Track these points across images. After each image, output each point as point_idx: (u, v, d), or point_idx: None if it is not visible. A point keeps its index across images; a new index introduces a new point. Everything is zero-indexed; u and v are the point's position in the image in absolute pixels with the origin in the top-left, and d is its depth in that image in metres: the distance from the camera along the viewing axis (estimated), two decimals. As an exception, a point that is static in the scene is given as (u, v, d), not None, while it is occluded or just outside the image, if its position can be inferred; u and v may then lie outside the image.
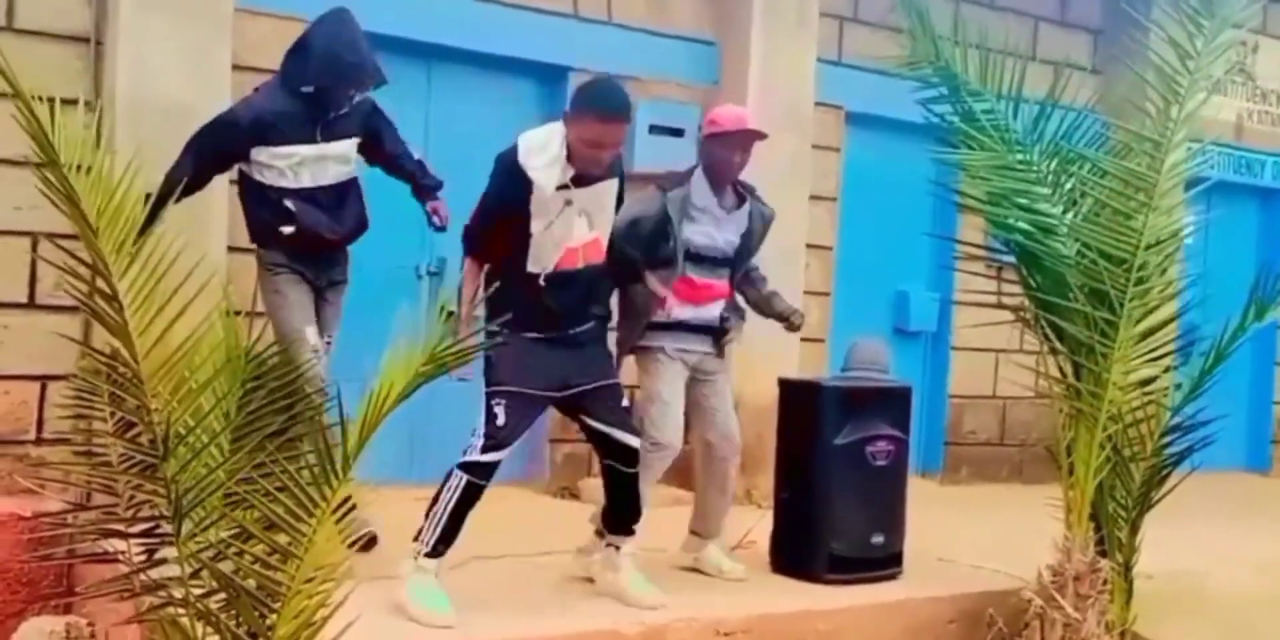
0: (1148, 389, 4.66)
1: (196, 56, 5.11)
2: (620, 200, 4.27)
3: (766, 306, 4.87)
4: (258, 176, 4.26)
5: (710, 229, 4.63)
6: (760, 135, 4.64)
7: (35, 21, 5.08)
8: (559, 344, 4.08)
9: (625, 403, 4.25)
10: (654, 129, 6.52)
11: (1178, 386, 4.66)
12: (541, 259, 4.02)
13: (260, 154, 4.21)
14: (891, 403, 5.00)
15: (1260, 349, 9.28)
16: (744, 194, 4.74)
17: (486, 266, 4.13)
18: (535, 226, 3.97)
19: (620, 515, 4.28)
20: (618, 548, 4.30)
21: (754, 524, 5.15)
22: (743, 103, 6.45)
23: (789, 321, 4.81)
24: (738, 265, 4.74)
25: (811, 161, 7.00)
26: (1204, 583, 5.16)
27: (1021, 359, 5.28)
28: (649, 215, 4.53)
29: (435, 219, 4.50)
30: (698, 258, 4.62)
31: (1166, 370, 4.69)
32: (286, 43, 4.50)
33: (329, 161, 4.30)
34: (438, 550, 3.96)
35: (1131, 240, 4.46)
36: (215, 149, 4.20)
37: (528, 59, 6.36)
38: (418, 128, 6.10)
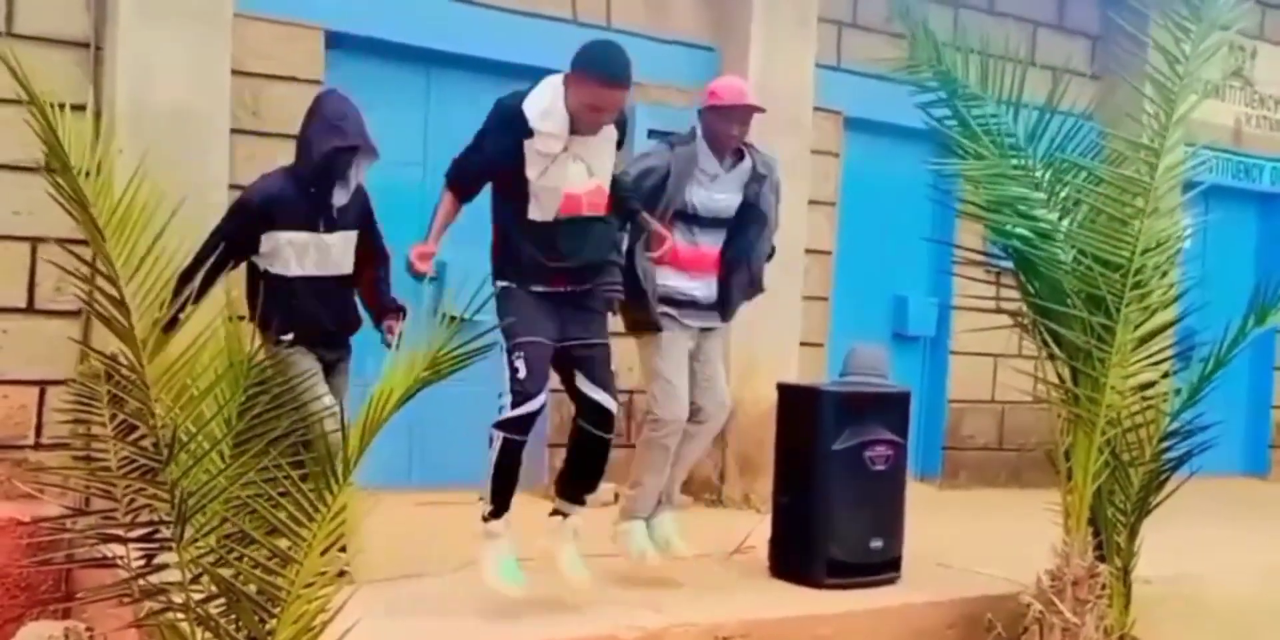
0: (1146, 394, 4.67)
1: (196, 61, 5.12)
2: (621, 145, 4.25)
3: None
4: (264, 265, 4.32)
5: (712, 190, 4.61)
6: (759, 109, 4.63)
7: (34, 27, 5.08)
8: (562, 299, 4.12)
9: (613, 366, 4.27)
10: (653, 133, 6.51)
11: (1176, 391, 4.67)
12: (544, 205, 4.04)
13: (267, 242, 4.28)
14: (890, 407, 5.00)
15: (1259, 353, 9.26)
16: (744, 152, 4.71)
17: (462, 202, 4.16)
18: (531, 173, 3.99)
19: (577, 481, 4.28)
20: (565, 516, 4.28)
21: (753, 529, 5.14)
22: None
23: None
24: (743, 228, 4.68)
25: (810, 166, 7.01)
26: (1203, 587, 5.15)
27: (1020, 364, 5.26)
28: (656, 169, 4.55)
29: (389, 337, 4.52)
30: (700, 220, 4.62)
31: (1165, 375, 4.70)
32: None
33: (332, 250, 4.37)
34: (497, 510, 4.05)
35: (1128, 245, 4.46)
36: (233, 231, 4.27)
37: (526, 64, 6.33)
38: (416, 133, 6.11)
